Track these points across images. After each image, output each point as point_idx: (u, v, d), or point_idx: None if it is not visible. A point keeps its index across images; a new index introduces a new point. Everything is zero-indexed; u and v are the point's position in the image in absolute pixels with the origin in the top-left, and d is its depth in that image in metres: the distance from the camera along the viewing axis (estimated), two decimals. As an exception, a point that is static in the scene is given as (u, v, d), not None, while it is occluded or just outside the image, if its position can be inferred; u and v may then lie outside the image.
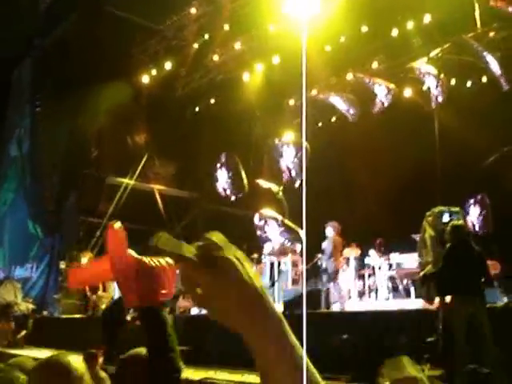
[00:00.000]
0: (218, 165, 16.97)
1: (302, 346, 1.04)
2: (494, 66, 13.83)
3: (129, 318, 12.00)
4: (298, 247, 14.42)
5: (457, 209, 9.37)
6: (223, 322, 0.98)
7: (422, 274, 7.82)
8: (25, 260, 19.65)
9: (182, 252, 0.97)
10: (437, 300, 7.36)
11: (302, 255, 14.24)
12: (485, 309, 7.24)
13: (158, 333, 2.12)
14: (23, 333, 14.68)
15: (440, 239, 8.04)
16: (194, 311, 14.53)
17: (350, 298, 13.93)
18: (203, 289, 0.97)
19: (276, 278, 14.02)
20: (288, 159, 16.29)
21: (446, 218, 8.45)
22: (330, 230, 12.56)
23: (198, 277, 0.97)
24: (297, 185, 15.53)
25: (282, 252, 14.53)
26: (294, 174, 16.05)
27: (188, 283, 0.99)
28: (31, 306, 15.67)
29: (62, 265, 16.77)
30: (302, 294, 11.76)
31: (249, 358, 0.98)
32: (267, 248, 14.47)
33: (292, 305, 11.04)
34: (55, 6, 19.21)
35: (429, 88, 15.23)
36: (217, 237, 1.02)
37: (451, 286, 7.23)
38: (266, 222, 14.77)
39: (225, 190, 16.86)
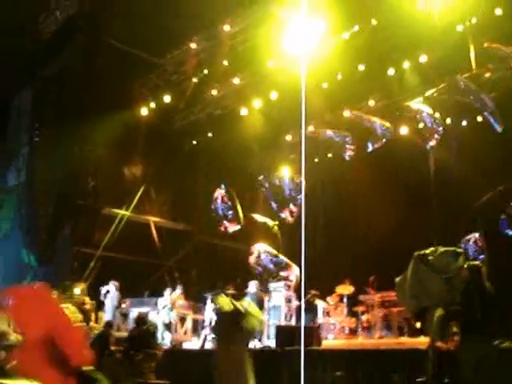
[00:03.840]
0: (215, 198, 17.01)
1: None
2: (489, 107, 13.97)
3: (113, 348, 11.98)
4: (292, 281, 14.37)
5: (460, 250, 9.38)
6: None
7: (438, 314, 7.81)
8: (18, 289, 19.53)
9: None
10: (455, 339, 7.42)
11: (295, 291, 14.19)
12: (497, 349, 7.35)
13: None
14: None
15: (446, 280, 8.03)
16: (186, 345, 14.51)
17: (342, 334, 13.89)
18: None
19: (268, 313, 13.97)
20: (283, 194, 16.32)
21: (449, 258, 8.43)
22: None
23: None
24: (291, 220, 15.54)
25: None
26: (289, 209, 16.06)
27: None
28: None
29: (55, 295, 16.65)
30: (294, 330, 11.71)
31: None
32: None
33: (284, 341, 10.99)
34: (57, 37, 19.39)
35: (424, 127, 15.38)
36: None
37: (470, 325, 7.32)
38: (260, 256, 14.75)
39: (220, 223, 16.86)
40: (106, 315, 15.55)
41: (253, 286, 13.55)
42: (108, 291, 15.77)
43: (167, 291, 15.52)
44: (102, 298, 15.78)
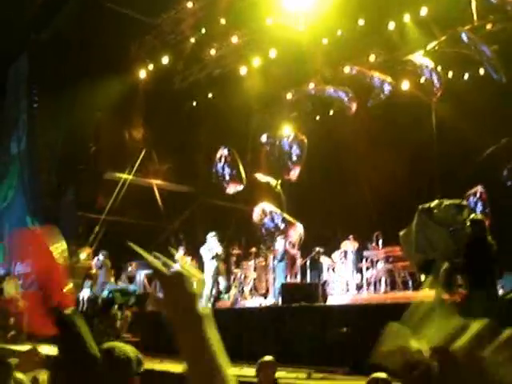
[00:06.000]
0: (217, 158, 16.97)
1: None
2: (490, 58, 13.81)
3: None
4: (294, 239, 14.43)
5: (464, 202, 9.36)
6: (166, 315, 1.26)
7: (444, 267, 7.87)
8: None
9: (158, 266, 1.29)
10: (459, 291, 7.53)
11: (299, 249, 14.27)
12: (497, 302, 7.45)
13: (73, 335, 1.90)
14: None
15: (451, 233, 8.05)
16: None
17: (348, 290, 14.00)
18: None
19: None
20: (285, 153, 16.28)
21: (454, 211, 8.42)
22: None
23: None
24: (294, 178, 15.55)
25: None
26: (291, 167, 16.04)
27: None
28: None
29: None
30: (299, 287, 11.83)
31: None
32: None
33: (289, 299, 11.11)
34: (51, 0, 19.11)
35: (426, 81, 15.24)
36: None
37: (473, 278, 7.41)
38: (264, 216, 14.78)
39: (223, 183, 16.86)
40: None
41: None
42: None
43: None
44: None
